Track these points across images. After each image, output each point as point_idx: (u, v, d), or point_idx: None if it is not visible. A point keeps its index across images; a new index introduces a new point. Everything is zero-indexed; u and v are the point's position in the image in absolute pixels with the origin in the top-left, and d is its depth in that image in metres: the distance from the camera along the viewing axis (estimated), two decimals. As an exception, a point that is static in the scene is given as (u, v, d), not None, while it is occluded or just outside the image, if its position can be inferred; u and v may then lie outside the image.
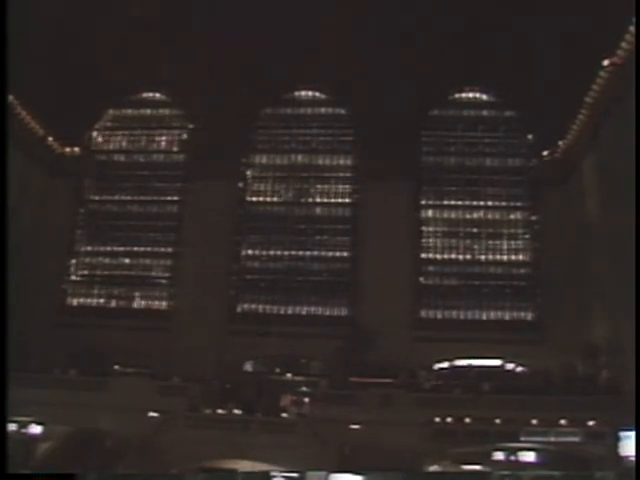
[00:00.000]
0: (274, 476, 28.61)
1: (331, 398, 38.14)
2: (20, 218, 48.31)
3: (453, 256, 56.83)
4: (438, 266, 56.73)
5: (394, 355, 44.76)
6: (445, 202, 58.01)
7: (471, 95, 59.80)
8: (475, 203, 57.73)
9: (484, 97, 59.71)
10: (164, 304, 57.89)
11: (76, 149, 60.51)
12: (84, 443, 35.13)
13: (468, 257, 56.60)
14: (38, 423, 36.71)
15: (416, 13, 49.48)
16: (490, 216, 57.54)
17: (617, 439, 32.19)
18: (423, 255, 56.82)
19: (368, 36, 51.02)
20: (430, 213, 58.09)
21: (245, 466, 32.56)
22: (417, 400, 36.77)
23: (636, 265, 35.28)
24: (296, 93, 61.36)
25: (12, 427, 33.54)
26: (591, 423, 33.76)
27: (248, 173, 60.71)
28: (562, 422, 34.13)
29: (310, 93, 61.38)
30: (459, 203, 57.82)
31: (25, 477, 26.29)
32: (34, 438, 36.46)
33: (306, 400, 39.53)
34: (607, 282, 44.40)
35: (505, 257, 56.53)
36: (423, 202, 58.01)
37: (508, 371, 48.03)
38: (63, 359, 46.21)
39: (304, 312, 56.17)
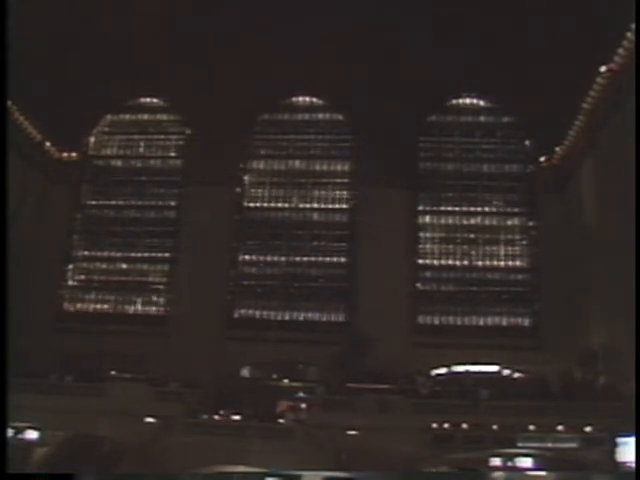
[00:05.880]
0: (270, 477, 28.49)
1: (328, 404, 37.91)
2: (17, 223, 48.12)
3: (450, 262, 56.96)
4: (435, 272, 56.91)
5: (391, 361, 44.59)
6: (442, 208, 58.15)
7: (468, 101, 60.02)
8: (472, 209, 57.88)
9: (482, 103, 59.93)
10: (161, 310, 57.87)
11: (74, 154, 60.41)
12: (81, 449, 34.97)
13: (465, 263, 56.72)
14: (35, 429, 36.47)
15: (414, 19, 49.68)
16: (487, 222, 57.70)
17: (615, 445, 32.11)
18: (420, 261, 56.93)
19: (366, 42, 51.19)
20: (427, 219, 58.21)
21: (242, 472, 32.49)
22: (414, 406, 36.59)
23: (635, 271, 35.31)
24: (294, 99, 61.46)
25: (8, 433, 33.31)
26: (588, 429, 33.65)
27: (245, 179, 60.77)
28: (560, 428, 33.99)
29: (308, 99, 61.49)
30: (456, 209, 57.96)
31: (25, 477, 26.26)
32: (30, 444, 36.20)
33: (303, 406, 39.40)
34: (605, 288, 44.40)
35: (502, 263, 56.63)
36: (420, 208, 58.15)
37: (505, 377, 48.12)
38: (60, 364, 46.15)
39: (301, 318, 56.22)
